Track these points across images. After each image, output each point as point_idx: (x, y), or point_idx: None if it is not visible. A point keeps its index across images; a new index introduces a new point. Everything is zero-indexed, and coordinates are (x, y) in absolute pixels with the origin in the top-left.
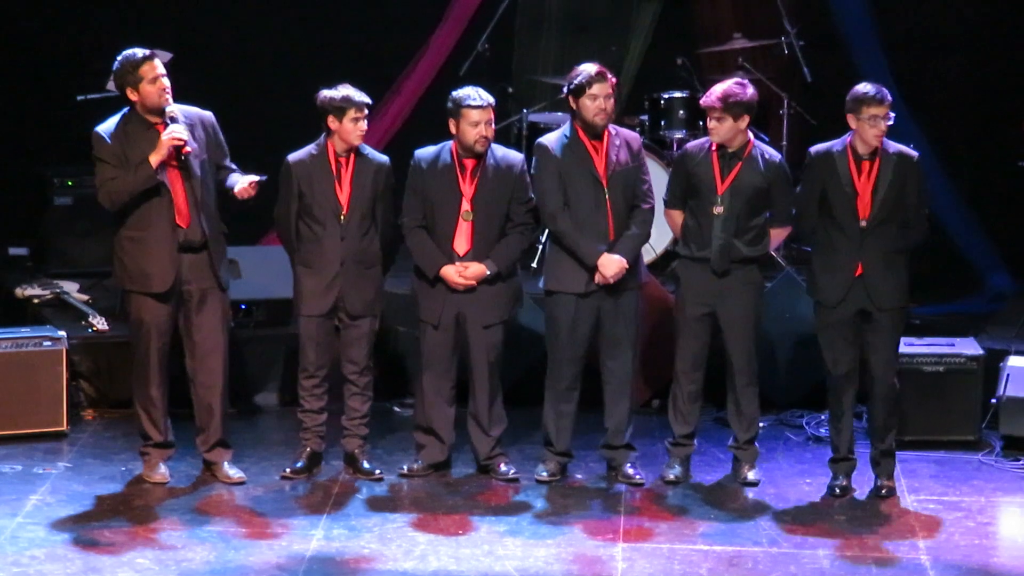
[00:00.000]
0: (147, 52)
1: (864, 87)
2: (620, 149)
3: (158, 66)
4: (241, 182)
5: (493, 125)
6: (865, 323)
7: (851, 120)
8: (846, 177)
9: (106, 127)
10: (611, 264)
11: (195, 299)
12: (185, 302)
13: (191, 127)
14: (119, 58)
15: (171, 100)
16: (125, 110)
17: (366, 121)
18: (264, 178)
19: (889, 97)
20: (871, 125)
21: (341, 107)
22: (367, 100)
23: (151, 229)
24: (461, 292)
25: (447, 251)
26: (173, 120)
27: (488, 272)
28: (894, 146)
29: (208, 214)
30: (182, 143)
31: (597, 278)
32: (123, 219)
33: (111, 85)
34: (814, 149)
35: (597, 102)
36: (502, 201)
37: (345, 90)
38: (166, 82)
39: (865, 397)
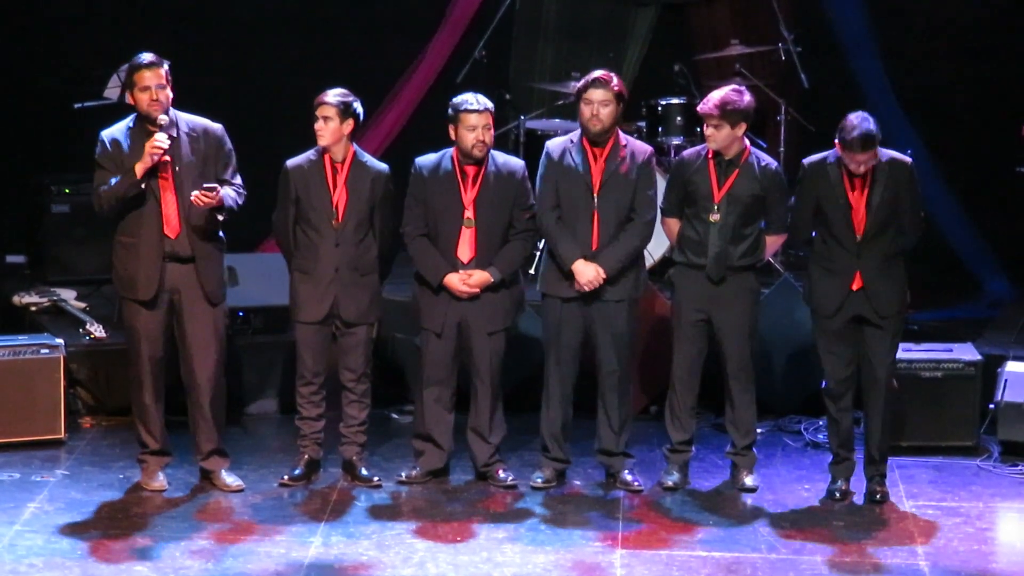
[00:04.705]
0: (149, 60)
1: (853, 131)
2: (624, 160)
3: (150, 77)
4: (195, 193)
5: (492, 131)
6: (864, 329)
7: (839, 148)
8: (840, 191)
9: (110, 131)
10: (585, 271)
11: (185, 309)
12: (176, 311)
13: (193, 139)
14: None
15: (162, 111)
16: (136, 112)
17: (327, 123)
18: (216, 186)
19: (875, 141)
20: (853, 166)
21: (314, 108)
22: (329, 100)
23: (140, 236)
24: (464, 300)
25: (451, 259)
26: (162, 129)
27: (492, 279)
28: (886, 153)
29: (198, 226)
30: (160, 152)
31: (575, 284)
32: (117, 224)
33: (108, 93)
34: (807, 161)
35: (591, 107)
36: (504, 208)
37: (327, 91)
38: (159, 93)
39: (861, 402)
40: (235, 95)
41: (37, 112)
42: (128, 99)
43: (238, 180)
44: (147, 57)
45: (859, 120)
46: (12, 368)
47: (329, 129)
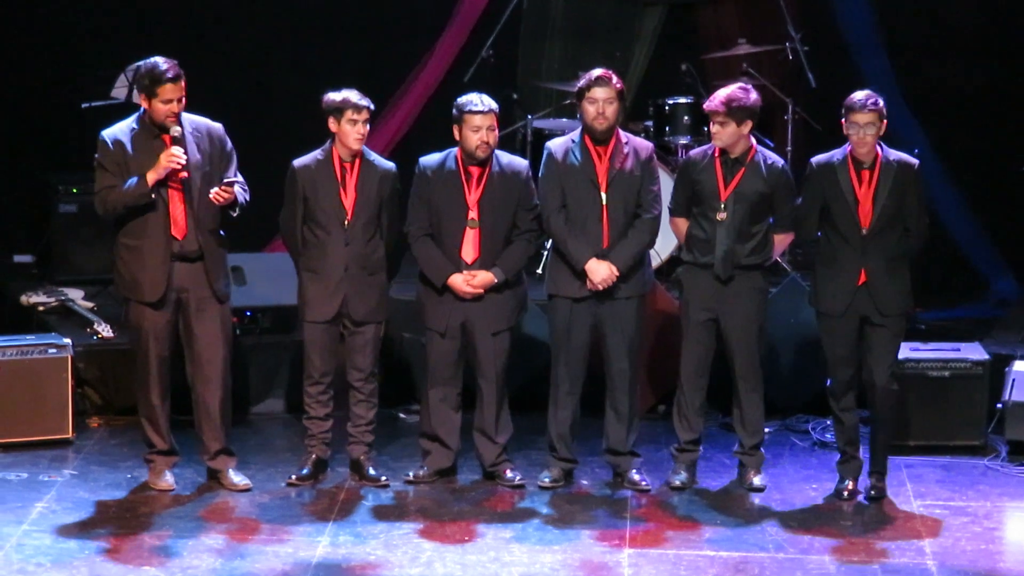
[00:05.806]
0: (174, 73)
1: (856, 94)
2: (627, 157)
3: (173, 90)
4: (214, 190)
5: (496, 131)
6: (867, 329)
7: (844, 127)
8: (847, 186)
9: (112, 131)
10: (599, 270)
11: (193, 307)
12: (184, 310)
13: (198, 140)
14: (147, 62)
15: (178, 123)
16: (139, 112)
17: (365, 125)
18: (236, 180)
19: (878, 105)
20: (854, 132)
21: (339, 108)
22: (366, 104)
23: (146, 238)
24: (469, 300)
25: (454, 259)
26: (176, 141)
27: (496, 280)
28: (894, 154)
29: (206, 227)
30: (179, 167)
31: (588, 283)
32: (120, 226)
33: (116, 92)
34: (815, 160)
35: (596, 106)
36: (508, 208)
37: (346, 92)
38: (178, 107)
39: (866, 401)
40: (240, 95)
41: (44, 112)
42: (143, 104)
43: (240, 177)
44: (171, 70)
45: (862, 91)
46: (20, 368)
47: (366, 131)
